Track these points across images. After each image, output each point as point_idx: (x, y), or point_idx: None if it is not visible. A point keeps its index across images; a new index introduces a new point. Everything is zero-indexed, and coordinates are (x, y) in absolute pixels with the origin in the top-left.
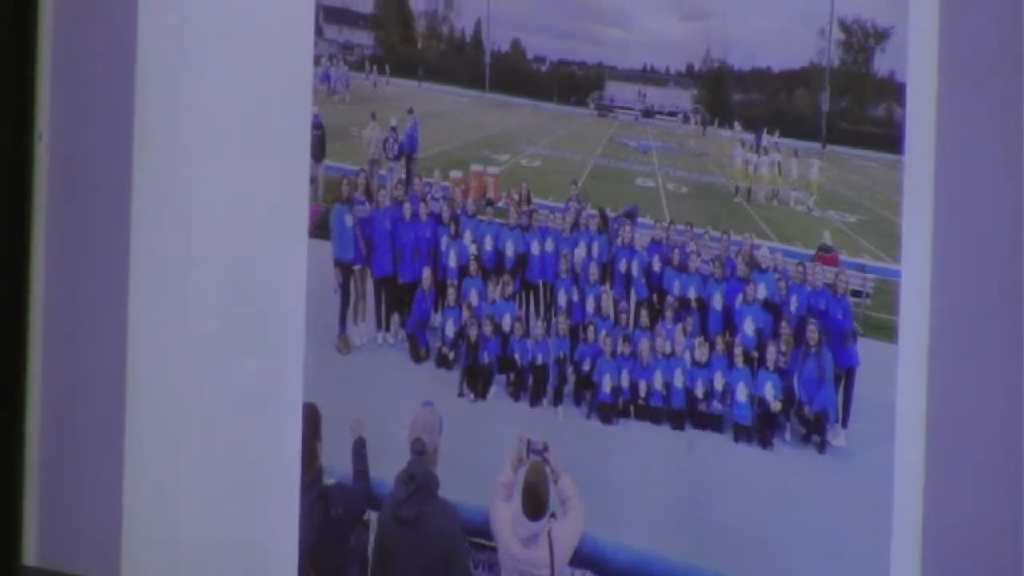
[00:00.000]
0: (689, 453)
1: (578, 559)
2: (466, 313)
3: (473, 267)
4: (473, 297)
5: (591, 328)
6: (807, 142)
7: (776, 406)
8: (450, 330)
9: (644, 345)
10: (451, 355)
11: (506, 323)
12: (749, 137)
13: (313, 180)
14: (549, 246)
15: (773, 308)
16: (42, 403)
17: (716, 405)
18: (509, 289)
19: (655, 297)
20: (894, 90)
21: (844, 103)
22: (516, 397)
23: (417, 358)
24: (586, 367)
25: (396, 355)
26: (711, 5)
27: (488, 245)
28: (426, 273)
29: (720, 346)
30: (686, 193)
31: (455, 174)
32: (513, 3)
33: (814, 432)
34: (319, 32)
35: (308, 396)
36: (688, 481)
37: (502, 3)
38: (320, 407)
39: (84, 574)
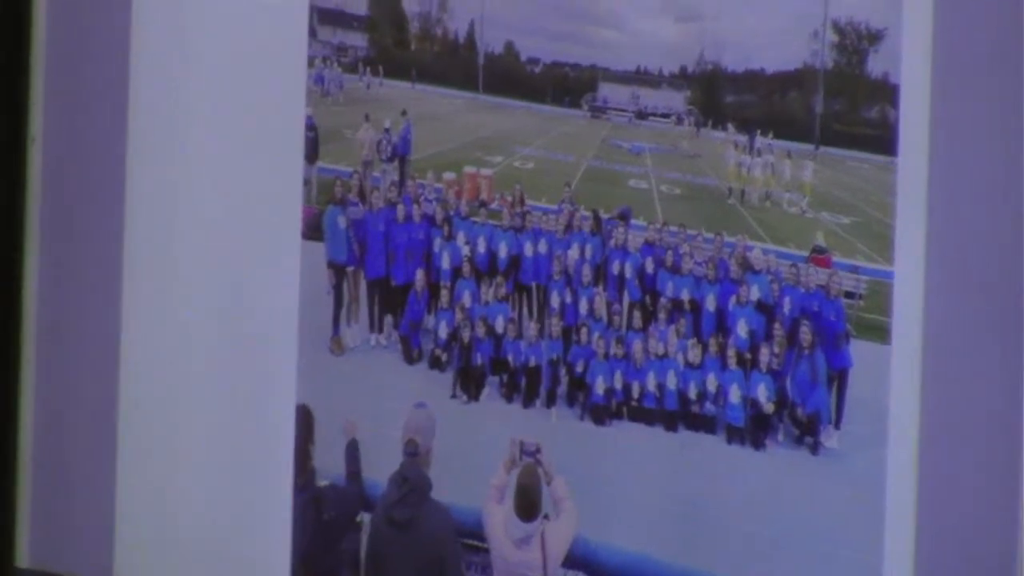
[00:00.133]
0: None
1: (571, 560)
2: (459, 315)
3: (466, 269)
4: (466, 299)
5: (584, 330)
6: (800, 144)
7: (769, 408)
8: (443, 332)
9: (637, 347)
10: (444, 357)
11: (499, 325)
12: (742, 139)
13: (306, 182)
14: (542, 248)
15: (766, 310)
16: (35, 405)
17: (709, 407)
18: (502, 291)
19: (648, 299)
20: (887, 92)
21: (838, 105)
22: (509, 399)
23: (410, 360)
24: (579, 368)
25: (389, 357)
26: (705, 7)
27: (481, 247)
28: (419, 275)
29: (713, 348)
30: (679, 195)
31: (448, 176)
32: (507, 5)
33: (807, 434)
34: (313, 34)
35: (301, 398)
36: (681, 482)
37: (496, 5)
38: (313, 409)
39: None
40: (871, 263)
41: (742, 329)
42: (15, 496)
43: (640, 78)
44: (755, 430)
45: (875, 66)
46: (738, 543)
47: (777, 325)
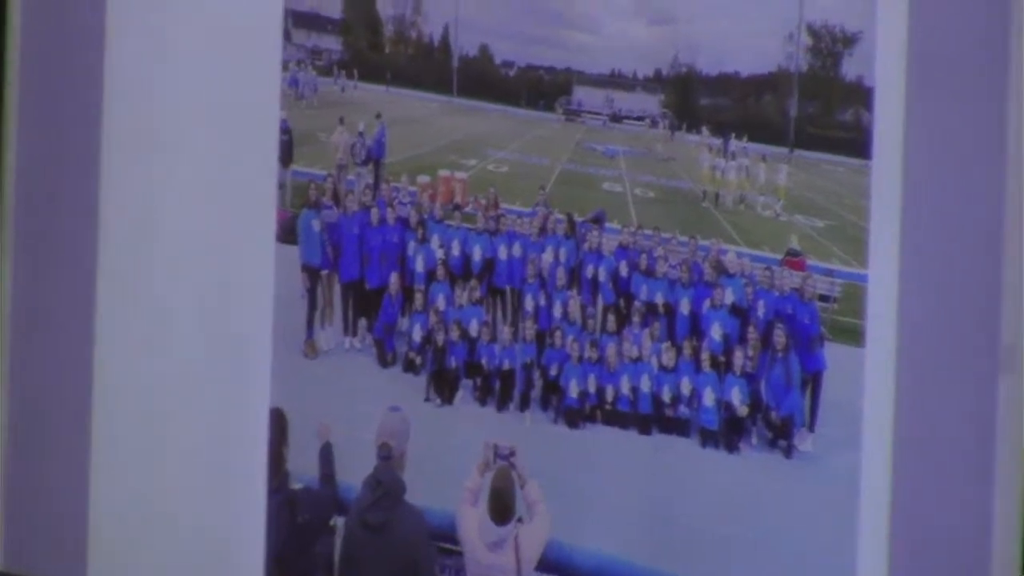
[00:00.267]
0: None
1: (544, 564)
2: (433, 318)
3: (440, 272)
4: (440, 302)
5: (558, 333)
6: (775, 147)
7: (743, 411)
8: (417, 335)
9: (611, 350)
10: (418, 360)
11: (473, 328)
12: (717, 142)
13: (281, 185)
14: (516, 251)
15: (740, 313)
16: (8, 407)
17: (683, 410)
18: (476, 294)
19: (622, 302)
20: (862, 95)
21: (812, 108)
22: (483, 402)
23: (384, 363)
24: (553, 372)
25: (363, 360)
26: (679, 10)
27: (455, 250)
28: (393, 278)
29: (687, 351)
30: (653, 198)
31: (423, 179)
32: (481, 8)
33: (781, 437)
34: (287, 37)
35: (275, 401)
36: (655, 486)
37: (470, 8)
38: (287, 411)
39: None
40: (845, 266)
41: (716, 332)
42: None
43: (614, 81)
44: (729, 433)
45: (850, 69)
46: (712, 546)
47: (751, 328)
